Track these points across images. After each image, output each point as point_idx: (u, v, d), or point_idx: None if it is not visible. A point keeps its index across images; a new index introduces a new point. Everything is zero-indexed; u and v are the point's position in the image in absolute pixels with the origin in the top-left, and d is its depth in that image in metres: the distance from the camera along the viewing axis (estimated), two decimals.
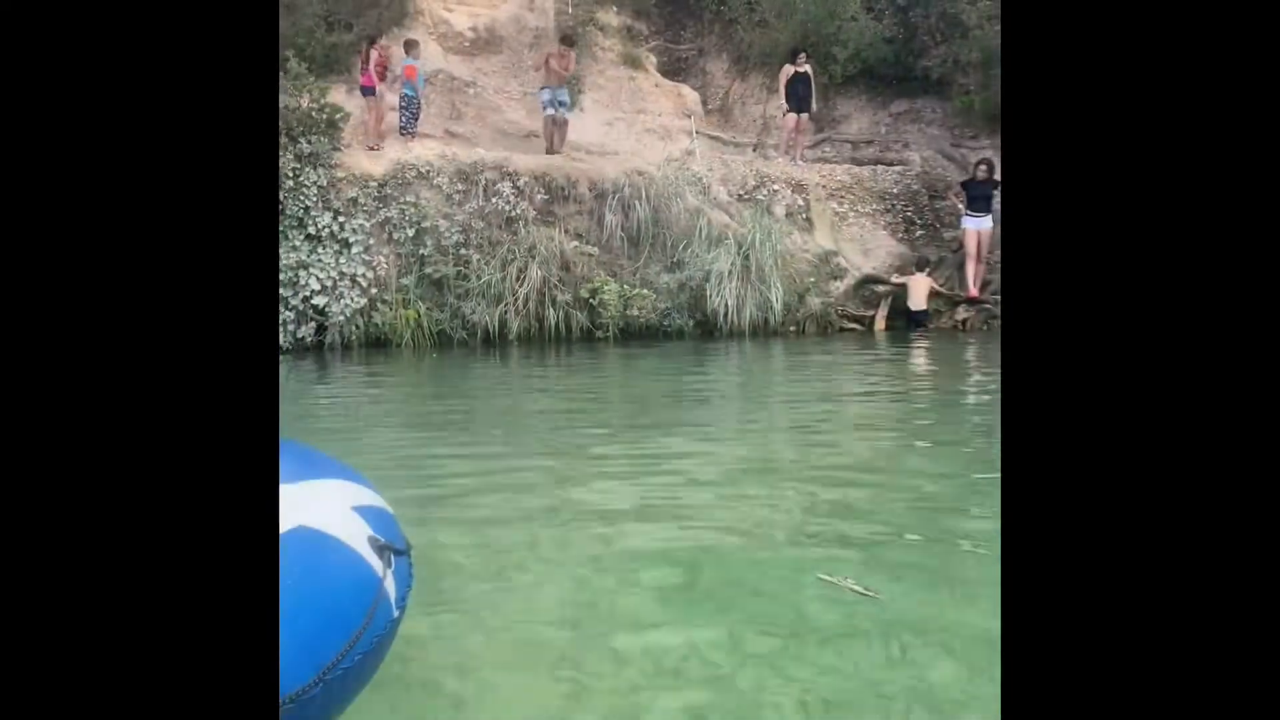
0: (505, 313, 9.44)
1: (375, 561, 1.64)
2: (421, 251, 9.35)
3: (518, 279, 9.48)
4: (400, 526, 1.88)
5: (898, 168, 12.51)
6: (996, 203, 10.97)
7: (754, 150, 13.12)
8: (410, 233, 9.34)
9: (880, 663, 2.22)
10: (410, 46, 10.43)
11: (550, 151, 10.70)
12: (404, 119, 10.30)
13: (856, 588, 2.61)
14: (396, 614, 1.69)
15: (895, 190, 12.10)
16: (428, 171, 9.62)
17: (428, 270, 9.34)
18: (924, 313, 10.75)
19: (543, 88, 10.89)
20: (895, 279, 10.93)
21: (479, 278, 9.39)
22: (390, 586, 1.65)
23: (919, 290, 10.78)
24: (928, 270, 10.92)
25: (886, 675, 2.16)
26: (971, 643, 2.31)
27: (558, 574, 2.86)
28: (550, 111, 10.76)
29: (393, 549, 1.70)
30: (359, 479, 1.87)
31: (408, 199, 9.45)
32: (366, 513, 1.73)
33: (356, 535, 1.65)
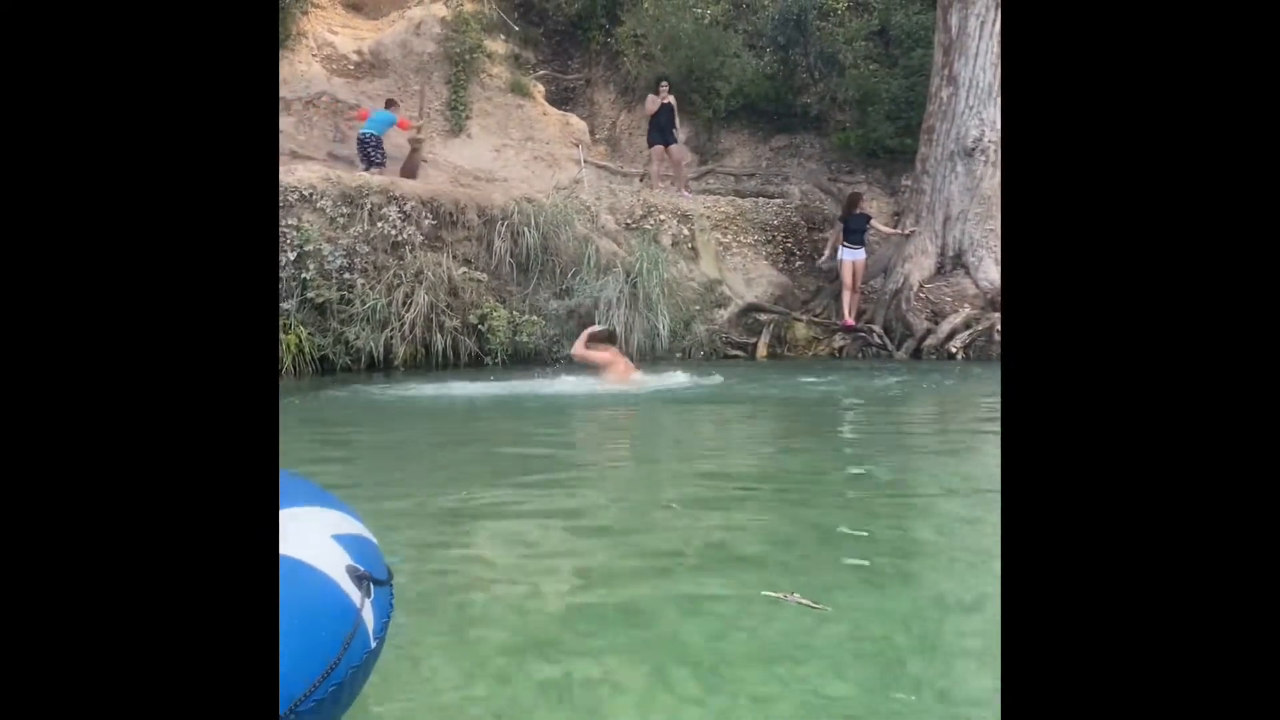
0: (391, 338, 9.31)
1: (353, 591, 1.59)
2: (304, 275, 9.14)
3: (404, 304, 9.37)
4: (383, 556, 1.82)
5: (778, 200, 12.98)
6: (869, 235, 11.51)
7: (640, 180, 13.37)
8: (292, 256, 9.12)
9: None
10: (390, 105, 11.42)
11: None
12: (363, 154, 11.18)
13: (804, 601, 2.66)
14: (374, 645, 1.65)
15: (776, 222, 12.53)
16: (311, 194, 9.44)
17: (310, 295, 9.13)
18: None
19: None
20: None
21: (364, 303, 9.24)
22: (368, 617, 1.61)
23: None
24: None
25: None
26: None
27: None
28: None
29: (371, 578, 1.65)
30: (341, 506, 1.81)
31: (290, 222, 9.23)
32: (346, 541, 1.69)
33: (335, 564, 1.60)
